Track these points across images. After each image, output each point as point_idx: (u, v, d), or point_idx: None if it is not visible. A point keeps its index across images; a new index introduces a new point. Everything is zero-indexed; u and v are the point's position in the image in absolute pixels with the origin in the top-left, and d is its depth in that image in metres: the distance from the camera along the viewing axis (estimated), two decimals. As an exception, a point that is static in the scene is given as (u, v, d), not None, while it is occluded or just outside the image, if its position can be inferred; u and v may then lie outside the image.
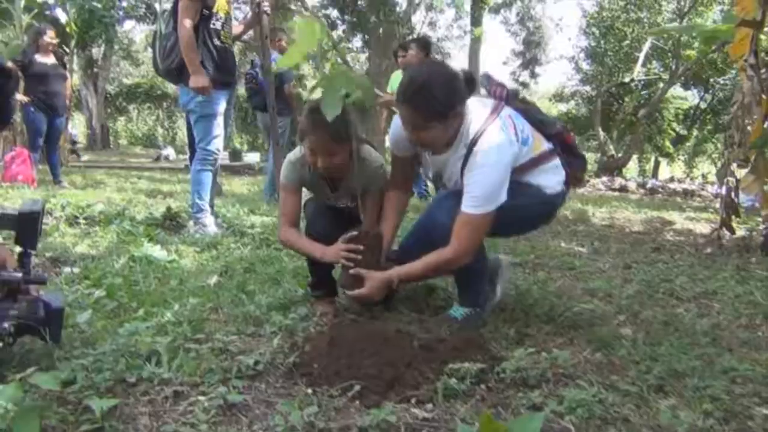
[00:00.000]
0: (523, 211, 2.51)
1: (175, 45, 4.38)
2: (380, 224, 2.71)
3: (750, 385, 2.06)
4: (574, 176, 2.66)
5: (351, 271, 2.52)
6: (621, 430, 1.66)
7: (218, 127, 4.59)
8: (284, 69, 8.49)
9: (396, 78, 7.42)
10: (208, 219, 4.65)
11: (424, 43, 7.27)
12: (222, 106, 4.58)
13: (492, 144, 2.33)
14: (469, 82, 2.41)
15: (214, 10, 4.45)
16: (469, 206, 2.34)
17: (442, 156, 2.52)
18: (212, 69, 4.47)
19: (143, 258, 3.50)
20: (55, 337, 1.91)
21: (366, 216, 2.75)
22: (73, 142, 13.92)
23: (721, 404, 1.87)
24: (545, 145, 2.56)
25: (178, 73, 4.48)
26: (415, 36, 15.70)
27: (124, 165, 13.36)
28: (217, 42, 4.49)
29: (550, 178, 2.55)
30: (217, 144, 4.60)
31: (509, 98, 2.58)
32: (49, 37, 7.60)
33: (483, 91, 2.66)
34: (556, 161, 2.58)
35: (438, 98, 2.28)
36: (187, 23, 4.27)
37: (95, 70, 19.29)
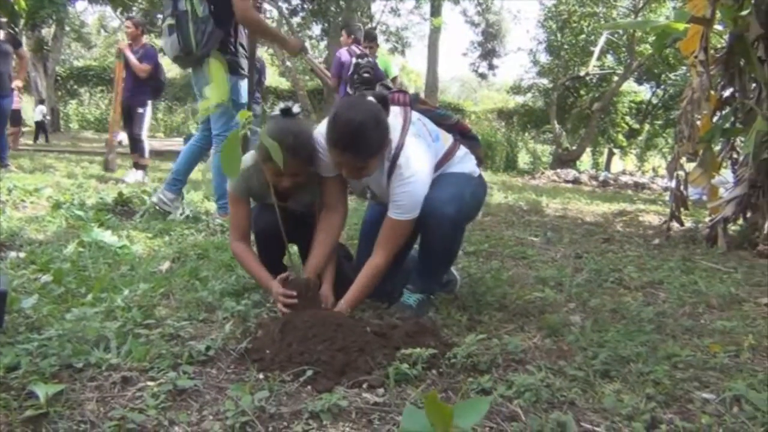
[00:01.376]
0: (471, 193, 2.63)
1: (213, 31, 4.30)
2: (312, 252, 2.62)
3: (691, 370, 2.13)
4: (477, 157, 2.84)
5: None
6: (567, 414, 1.70)
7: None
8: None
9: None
10: None
11: (349, 30, 7.64)
12: (245, 96, 4.62)
13: (413, 155, 2.44)
14: (384, 104, 2.46)
15: None
16: (396, 213, 2.45)
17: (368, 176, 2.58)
18: (243, 58, 4.52)
19: (93, 243, 3.43)
20: None
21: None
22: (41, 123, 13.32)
23: (663, 388, 1.93)
24: (450, 138, 2.71)
25: (202, 60, 4.40)
26: (374, 24, 15.68)
27: (75, 149, 13.02)
28: (246, 30, 4.53)
29: (467, 164, 2.71)
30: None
31: (412, 103, 2.67)
32: None
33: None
34: (464, 149, 2.74)
35: (375, 138, 2.33)
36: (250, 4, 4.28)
37: (45, 51, 18.70)
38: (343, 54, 7.22)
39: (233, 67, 4.42)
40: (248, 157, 2.62)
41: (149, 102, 7.89)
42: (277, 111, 2.49)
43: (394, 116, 2.53)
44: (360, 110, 2.34)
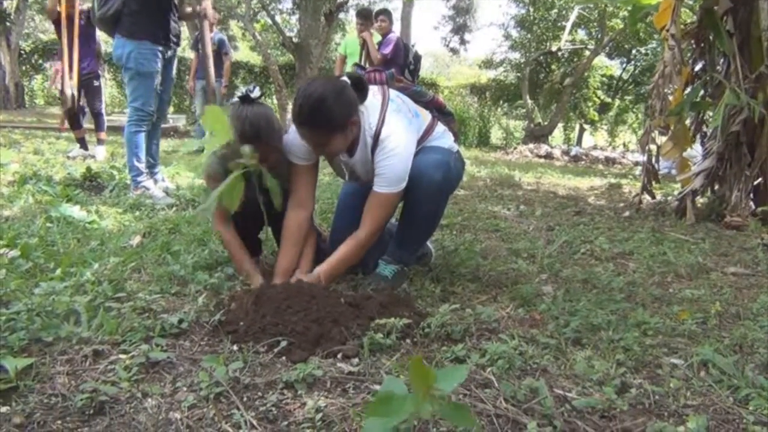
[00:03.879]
0: (454, 164, 2.65)
1: None
2: (281, 253, 2.58)
3: (660, 337, 2.17)
4: (453, 131, 2.87)
5: None
6: (539, 380, 1.72)
7: (154, 85, 4.40)
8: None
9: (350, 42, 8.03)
10: (149, 182, 4.50)
11: (390, 16, 7.71)
12: (159, 64, 4.39)
13: (396, 129, 2.46)
14: (359, 86, 2.45)
15: None
16: (382, 187, 2.46)
17: (352, 158, 2.59)
18: (156, 21, 4.31)
19: (61, 218, 3.38)
20: None
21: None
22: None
23: (633, 354, 1.96)
24: (428, 115, 2.73)
25: (113, 22, 4.26)
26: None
27: (41, 125, 12.71)
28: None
29: (446, 140, 2.74)
30: (152, 104, 4.42)
31: (388, 81, 2.71)
32: None
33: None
34: (442, 126, 2.77)
35: (335, 112, 2.32)
36: None
37: (8, 24, 18.15)
38: (401, 39, 7.38)
39: (130, 31, 4.25)
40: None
41: (101, 72, 7.53)
42: (235, 98, 2.45)
43: (373, 95, 2.53)
44: (321, 86, 2.33)
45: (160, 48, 4.37)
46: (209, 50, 4.91)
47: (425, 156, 2.55)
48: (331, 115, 2.31)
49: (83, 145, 7.42)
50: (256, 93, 2.43)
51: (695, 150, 6.35)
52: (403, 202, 2.62)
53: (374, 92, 2.56)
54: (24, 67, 20.65)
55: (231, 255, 2.64)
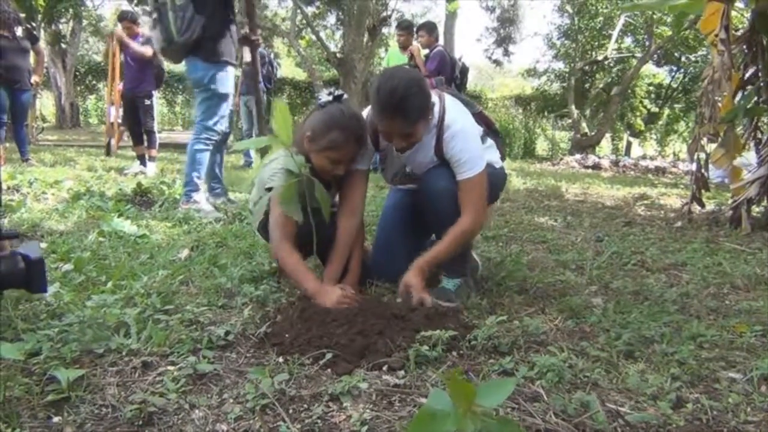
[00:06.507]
0: (489, 181, 2.59)
1: (193, 17, 4.25)
2: (330, 260, 2.58)
3: (717, 350, 2.09)
4: (500, 151, 2.86)
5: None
6: (590, 394, 1.67)
7: (227, 106, 4.54)
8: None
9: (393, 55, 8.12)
10: (200, 196, 4.58)
11: (430, 27, 7.79)
12: (232, 85, 4.56)
13: (457, 114, 2.53)
14: None
15: None
16: (464, 173, 2.47)
17: (408, 153, 2.60)
18: (232, 44, 4.43)
19: (113, 233, 3.45)
20: (40, 287, 1.82)
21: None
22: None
23: (689, 368, 1.89)
24: (479, 127, 2.72)
25: (194, 47, 4.33)
26: (390, 12, 15.57)
27: (94, 143, 13.10)
28: (232, 16, 4.44)
29: (492, 155, 2.74)
30: (223, 124, 4.54)
31: (438, 86, 2.76)
32: None
33: None
34: (490, 141, 2.77)
35: (420, 100, 2.37)
36: None
37: (63, 46, 18.81)
38: (446, 53, 7.42)
39: (211, 54, 4.35)
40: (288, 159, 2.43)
41: (154, 92, 7.77)
42: (327, 97, 2.49)
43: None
44: (400, 77, 2.37)
45: (235, 70, 4.54)
46: (258, 67, 5.00)
47: (440, 167, 2.56)
48: (417, 103, 2.36)
49: (143, 161, 7.64)
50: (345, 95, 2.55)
51: (749, 158, 6.15)
52: (428, 217, 2.64)
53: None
54: (78, 88, 21.35)
55: (295, 275, 2.45)
